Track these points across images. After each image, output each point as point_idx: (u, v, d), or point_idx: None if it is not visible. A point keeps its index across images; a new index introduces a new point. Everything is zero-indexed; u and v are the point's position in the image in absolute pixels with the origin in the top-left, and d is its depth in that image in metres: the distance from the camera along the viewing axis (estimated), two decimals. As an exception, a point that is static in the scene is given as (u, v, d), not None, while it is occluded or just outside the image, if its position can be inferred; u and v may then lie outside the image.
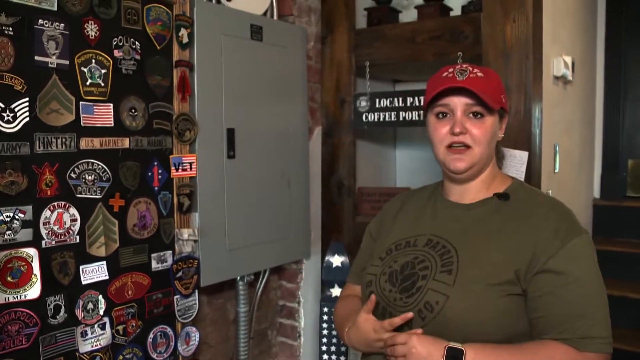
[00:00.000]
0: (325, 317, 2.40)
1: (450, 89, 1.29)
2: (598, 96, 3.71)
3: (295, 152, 2.50)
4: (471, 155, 1.30)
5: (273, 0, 2.47)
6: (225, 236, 2.14)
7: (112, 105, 1.77)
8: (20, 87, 1.54)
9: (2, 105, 1.50)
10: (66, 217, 1.66)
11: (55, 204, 1.63)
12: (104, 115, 1.75)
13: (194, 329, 2.07)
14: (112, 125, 1.78)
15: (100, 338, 1.76)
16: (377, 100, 2.48)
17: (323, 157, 2.66)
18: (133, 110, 1.83)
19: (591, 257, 1.24)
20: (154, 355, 1.93)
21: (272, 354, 2.73)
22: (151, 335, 1.92)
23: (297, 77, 2.51)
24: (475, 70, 1.31)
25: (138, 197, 1.86)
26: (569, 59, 2.57)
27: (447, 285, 1.24)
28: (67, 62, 1.65)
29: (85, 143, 1.70)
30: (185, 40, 1.98)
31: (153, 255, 1.92)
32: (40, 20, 1.57)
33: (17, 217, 1.55)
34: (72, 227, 1.68)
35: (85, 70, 1.70)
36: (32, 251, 1.58)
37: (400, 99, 2.42)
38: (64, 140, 1.65)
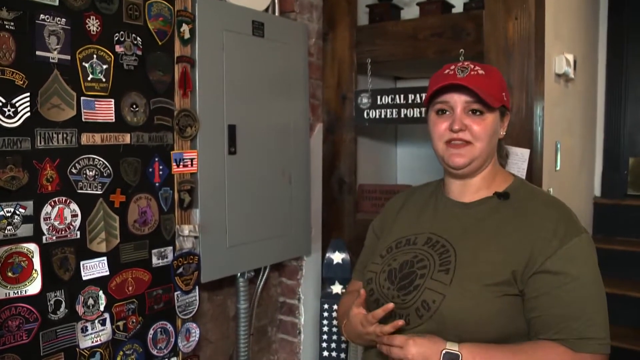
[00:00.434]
0: (325, 314, 2.41)
1: (450, 86, 1.29)
2: (599, 94, 3.71)
3: (296, 149, 2.50)
4: (471, 150, 1.30)
5: (275, -3, 2.46)
6: (226, 232, 2.14)
7: (113, 100, 1.77)
8: (21, 82, 1.53)
9: (3, 100, 1.50)
10: (67, 213, 1.66)
11: (56, 199, 1.63)
12: (105, 110, 1.75)
13: (194, 325, 2.07)
14: (113, 120, 1.77)
15: (100, 334, 1.76)
16: (379, 97, 2.48)
17: (324, 154, 2.66)
18: (134, 106, 1.83)
19: (590, 258, 1.23)
20: (154, 351, 1.94)
21: (272, 350, 2.74)
22: (151, 331, 1.92)
23: (299, 73, 2.51)
24: (477, 67, 1.31)
25: (139, 193, 1.86)
26: (570, 57, 2.57)
27: (444, 284, 1.24)
28: (68, 57, 1.64)
29: (86, 138, 1.70)
30: (187, 36, 1.98)
31: (154, 251, 1.92)
32: (41, 15, 1.57)
33: (17, 212, 1.54)
34: (72, 223, 1.68)
35: (87, 65, 1.69)
36: (32, 246, 1.58)
37: (402, 96, 2.42)
38: (65, 135, 1.64)
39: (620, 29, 3.64)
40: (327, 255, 2.45)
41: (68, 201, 1.66)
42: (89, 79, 1.70)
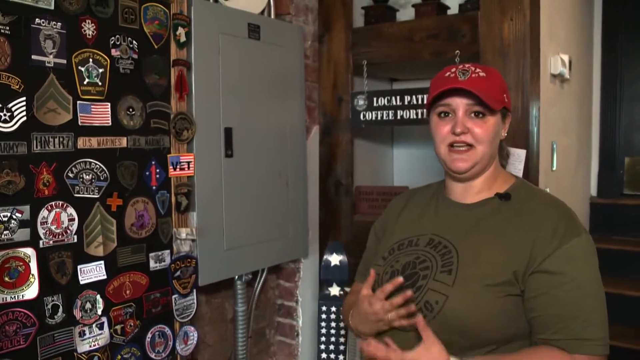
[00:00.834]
0: (323, 316, 2.40)
1: (452, 89, 1.29)
2: (595, 94, 3.72)
3: (293, 151, 2.50)
4: (473, 154, 1.30)
5: (270, -1, 2.47)
6: (223, 235, 2.14)
7: (109, 104, 1.77)
8: (17, 87, 1.53)
9: (-1, 105, 1.50)
10: (64, 217, 1.66)
11: (53, 203, 1.63)
12: (101, 114, 1.75)
13: (192, 328, 2.07)
14: (110, 124, 1.77)
15: (98, 338, 1.76)
16: (375, 99, 2.48)
17: (321, 156, 2.66)
18: (130, 110, 1.83)
19: (590, 258, 1.24)
20: (152, 355, 1.93)
21: (271, 353, 2.73)
22: (149, 335, 1.92)
23: (295, 76, 2.51)
24: (478, 70, 1.31)
25: (136, 196, 1.86)
26: (566, 57, 2.58)
27: (447, 285, 1.25)
28: (64, 61, 1.64)
29: (82, 142, 1.70)
30: (183, 39, 1.98)
31: (151, 254, 1.92)
32: (37, 19, 1.57)
33: (14, 216, 1.54)
34: (69, 227, 1.67)
35: (83, 69, 1.69)
36: (29, 251, 1.57)
37: (398, 98, 2.42)
38: (61, 139, 1.64)
39: (615, 28, 3.66)
40: (325, 257, 2.45)
41: (65, 205, 1.66)
42: (85, 82, 1.70)
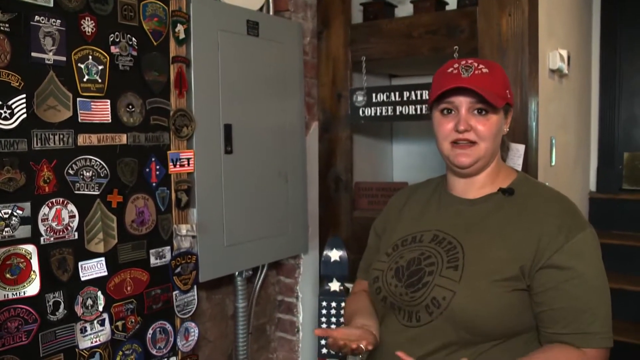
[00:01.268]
0: (323, 312, 2.41)
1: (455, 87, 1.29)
2: (594, 89, 3.72)
3: (292, 148, 2.51)
4: (476, 150, 1.30)
5: (269, -4, 2.47)
6: (224, 232, 2.15)
7: (109, 101, 1.77)
8: (17, 84, 1.54)
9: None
10: (64, 214, 1.66)
11: (54, 200, 1.63)
12: (101, 111, 1.75)
13: (193, 324, 2.08)
14: (110, 121, 1.78)
15: (99, 334, 1.76)
16: (374, 95, 2.49)
17: (320, 152, 2.66)
18: (130, 107, 1.83)
19: (595, 253, 1.25)
20: (154, 351, 1.94)
21: (271, 349, 2.74)
22: (150, 331, 1.93)
23: (294, 72, 2.52)
24: (481, 65, 1.30)
25: (136, 193, 1.87)
26: (564, 53, 2.58)
27: (454, 281, 1.25)
28: (64, 59, 1.64)
29: (82, 139, 1.70)
30: (182, 36, 1.98)
31: (151, 251, 1.92)
32: (36, 16, 1.57)
33: (15, 213, 1.55)
34: (70, 224, 1.68)
35: (82, 66, 1.69)
36: (30, 248, 1.58)
37: (397, 94, 2.42)
38: (61, 136, 1.65)
39: (614, 23, 3.65)
40: (325, 252, 2.46)
41: (65, 202, 1.66)
42: (84, 79, 1.70)
